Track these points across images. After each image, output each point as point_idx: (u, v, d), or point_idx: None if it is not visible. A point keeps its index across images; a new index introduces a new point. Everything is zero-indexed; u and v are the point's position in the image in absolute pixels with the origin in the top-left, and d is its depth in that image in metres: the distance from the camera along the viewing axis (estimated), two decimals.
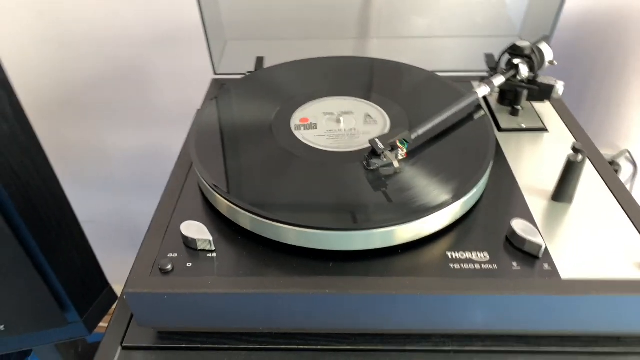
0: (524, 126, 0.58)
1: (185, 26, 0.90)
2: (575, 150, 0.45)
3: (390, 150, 0.47)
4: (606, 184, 0.50)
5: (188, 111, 0.98)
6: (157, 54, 0.93)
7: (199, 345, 0.45)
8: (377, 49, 0.80)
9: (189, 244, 0.44)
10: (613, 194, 0.49)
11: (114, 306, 0.57)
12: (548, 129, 0.58)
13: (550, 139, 0.57)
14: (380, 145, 0.46)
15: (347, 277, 0.41)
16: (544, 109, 0.62)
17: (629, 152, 1.06)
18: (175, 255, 0.44)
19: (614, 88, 0.98)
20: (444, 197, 0.44)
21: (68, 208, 0.81)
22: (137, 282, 0.41)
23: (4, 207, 0.67)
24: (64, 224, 0.79)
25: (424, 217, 0.43)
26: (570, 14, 0.87)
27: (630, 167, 1.08)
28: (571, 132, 0.58)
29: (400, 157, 0.48)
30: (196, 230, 0.44)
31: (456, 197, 0.44)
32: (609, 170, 0.52)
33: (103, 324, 0.75)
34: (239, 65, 0.72)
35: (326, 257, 0.43)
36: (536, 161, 0.54)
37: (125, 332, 0.46)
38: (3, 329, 0.80)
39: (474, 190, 0.46)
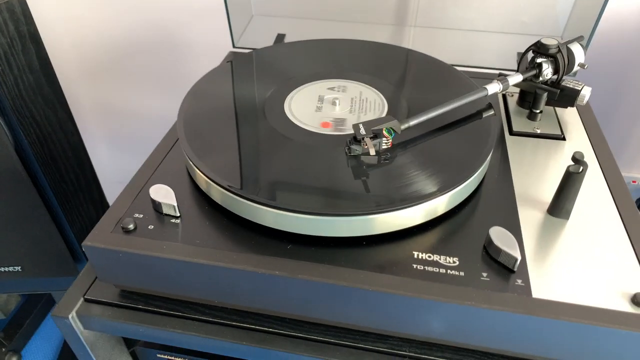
0: (538, 131, 0.53)
1: None
2: (575, 160, 0.40)
3: (372, 138, 0.44)
4: (616, 204, 0.45)
5: None
6: (199, 24, 0.94)
7: (155, 309, 0.45)
8: (413, 38, 0.77)
9: (156, 208, 0.44)
10: (620, 215, 0.43)
11: None
12: (566, 138, 0.53)
13: (566, 149, 0.52)
14: (362, 130, 0.44)
15: (300, 262, 0.39)
16: (569, 116, 0.57)
17: None
18: (141, 216, 0.44)
19: None
20: (422, 190, 0.41)
21: (88, 164, 0.85)
22: (97, 237, 0.42)
23: (23, 154, 0.70)
24: (82, 179, 0.83)
25: (395, 210, 0.40)
26: (615, 17, 0.79)
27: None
28: (591, 144, 0.52)
29: (384, 146, 0.45)
30: (164, 194, 0.44)
31: (435, 192, 0.41)
32: (623, 189, 0.46)
33: None
34: (260, 40, 0.71)
35: (288, 239, 0.41)
36: (543, 170, 0.49)
37: (91, 285, 0.47)
38: (20, 270, 0.85)
39: (457, 189, 0.42)
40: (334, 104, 0.52)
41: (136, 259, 0.41)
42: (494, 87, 0.50)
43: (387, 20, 0.79)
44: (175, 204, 0.43)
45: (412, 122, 0.46)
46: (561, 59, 0.52)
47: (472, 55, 0.74)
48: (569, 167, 0.41)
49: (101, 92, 1.10)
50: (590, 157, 0.51)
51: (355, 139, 0.45)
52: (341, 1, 0.77)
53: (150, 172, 0.48)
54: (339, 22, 0.78)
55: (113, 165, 1.26)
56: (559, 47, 0.52)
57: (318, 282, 0.38)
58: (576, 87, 0.52)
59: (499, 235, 0.39)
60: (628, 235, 0.42)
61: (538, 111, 0.54)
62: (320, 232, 0.40)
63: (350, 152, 0.45)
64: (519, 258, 0.38)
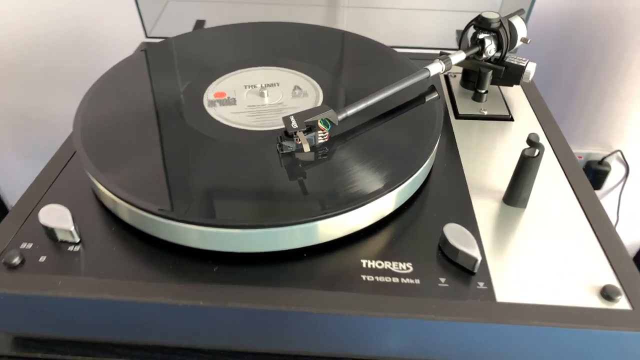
0: (485, 113, 0.50)
1: None
2: (530, 142, 0.36)
3: (305, 131, 0.38)
4: (573, 189, 0.41)
5: None
6: (113, 15, 0.84)
7: (59, 356, 0.37)
8: (347, 20, 0.71)
9: (50, 234, 0.36)
10: (579, 200, 0.40)
11: None
12: (514, 118, 0.50)
13: (515, 130, 0.48)
14: (293, 124, 0.38)
15: (229, 287, 0.33)
16: (515, 94, 0.53)
17: (621, 152, 0.97)
18: (30, 246, 0.36)
19: (608, 82, 0.88)
20: (367, 189, 0.36)
21: None
22: None
23: None
24: None
25: (338, 214, 0.34)
26: (563, 3, 0.78)
27: (622, 169, 1.00)
28: (540, 123, 0.49)
29: (320, 140, 0.40)
30: (58, 216, 0.36)
31: (382, 190, 0.36)
32: (578, 172, 0.43)
33: None
34: (177, 28, 0.63)
35: (213, 260, 0.35)
36: (494, 155, 0.45)
37: None
38: None
39: (405, 184, 0.37)
40: (261, 95, 0.46)
41: (27, 300, 0.33)
42: (436, 68, 0.46)
43: (318, 1, 0.73)
44: (73, 228, 0.35)
45: (350, 111, 0.41)
46: (504, 34, 0.48)
47: (409, 36, 0.70)
48: (524, 150, 0.37)
49: (4, 94, 0.97)
50: (540, 138, 0.47)
51: (287, 134, 0.38)
52: None
53: (41, 191, 0.40)
54: (264, 4, 0.71)
55: (25, 176, 1.13)
56: (500, 21, 0.48)
57: (253, 309, 0.32)
58: (521, 64, 0.49)
59: (455, 233, 0.35)
60: (589, 221, 0.38)
61: (483, 91, 0.51)
62: (251, 248, 0.34)
63: (282, 150, 0.39)
64: (479, 258, 0.33)
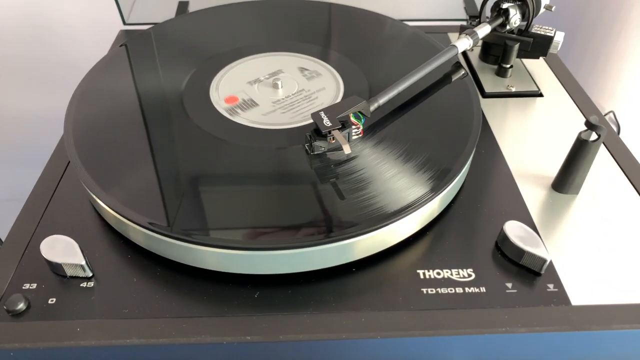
0: (513, 90, 0.46)
1: None
2: (590, 125, 0.33)
3: (340, 128, 0.34)
4: (622, 169, 0.39)
5: None
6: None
7: None
8: None
9: (56, 269, 0.31)
10: (633, 184, 0.38)
11: None
12: (543, 93, 0.46)
13: (544, 106, 0.45)
14: (326, 121, 0.33)
15: (279, 316, 0.29)
16: (538, 67, 0.50)
17: (613, 112, 0.97)
18: (34, 286, 0.30)
19: (601, 42, 0.86)
20: (418, 192, 0.32)
21: None
22: None
23: None
24: None
25: (389, 224, 0.30)
26: None
27: (614, 129, 0.99)
28: (571, 97, 0.46)
29: (354, 137, 0.35)
30: (64, 249, 0.31)
31: (434, 191, 0.32)
32: (624, 150, 0.41)
33: None
34: (156, 12, 0.56)
35: (250, 282, 0.31)
36: (529, 136, 0.42)
37: None
38: None
39: (454, 183, 0.34)
40: (275, 86, 0.41)
41: (37, 354, 0.28)
42: (463, 44, 0.42)
43: None
44: (84, 262, 0.30)
45: (382, 100, 0.37)
46: (530, 2, 0.44)
47: (405, 6, 0.65)
48: (580, 134, 0.34)
49: None
50: (573, 114, 0.45)
51: (318, 132, 0.34)
52: None
53: (36, 216, 0.34)
54: None
55: None
56: None
57: (309, 341, 0.28)
58: (548, 34, 0.45)
59: (517, 232, 0.32)
60: None
61: (508, 66, 0.47)
62: (301, 267, 0.30)
63: (313, 151, 0.34)
64: (549, 259, 0.30)
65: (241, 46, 0.46)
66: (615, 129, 1.01)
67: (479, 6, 0.59)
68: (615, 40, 0.87)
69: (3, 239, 0.74)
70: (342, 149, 0.33)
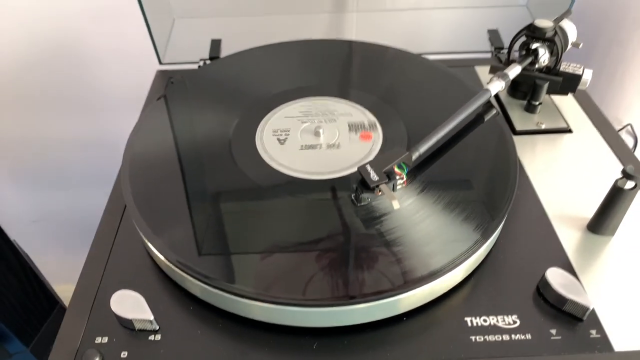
0: (543, 127, 0.48)
1: None
2: (626, 175, 0.35)
3: (386, 182, 0.35)
4: None
5: (136, 93, 0.83)
6: (96, 29, 0.77)
7: None
8: (356, 26, 0.67)
9: (124, 324, 0.33)
10: None
11: None
12: (572, 129, 0.48)
13: (574, 143, 0.47)
14: (373, 175, 0.35)
15: None
16: (565, 102, 0.51)
17: (631, 125, 0.98)
18: (106, 339, 0.32)
19: (618, 60, 0.87)
20: (463, 245, 0.34)
21: None
22: None
23: None
24: None
25: (438, 277, 0.32)
26: None
27: (631, 141, 1.00)
28: (600, 133, 0.47)
29: (399, 187, 0.37)
30: (132, 304, 0.33)
31: (478, 243, 0.34)
32: None
33: None
34: (191, 50, 0.58)
35: (307, 333, 0.32)
36: (561, 175, 0.43)
37: None
38: None
39: (499, 230, 0.35)
40: (317, 134, 0.43)
41: None
42: (496, 86, 0.43)
43: (323, 7, 0.68)
44: (152, 318, 0.32)
45: (422, 149, 0.38)
46: (559, 42, 0.46)
47: (427, 39, 0.66)
48: (616, 181, 0.36)
49: None
50: (602, 149, 0.46)
51: (364, 185, 0.36)
52: None
53: (99, 272, 0.36)
54: (271, 15, 0.66)
55: (23, 204, 1.07)
56: (555, 29, 0.46)
57: None
58: (577, 72, 0.47)
59: (559, 280, 0.33)
60: None
61: (538, 103, 0.48)
62: (353, 320, 0.32)
63: (359, 202, 0.36)
64: (592, 307, 0.32)
65: (278, 91, 0.48)
66: (632, 141, 1.02)
67: (502, 36, 0.61)
68: (632, 55, 0.88)
69: (30, 256, 0.76)
70: (390, 203, 0.34)
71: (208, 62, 0.57)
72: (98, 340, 0.32)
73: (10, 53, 0.79)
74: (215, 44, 0.58)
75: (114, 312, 0.32)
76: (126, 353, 0.32)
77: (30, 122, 0.89)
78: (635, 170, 0.35)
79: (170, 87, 0.49)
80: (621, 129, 0.96)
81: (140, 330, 0.33)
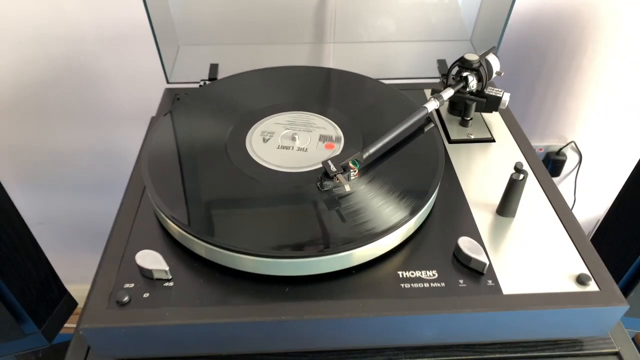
0: (472, 137, 0.60)
1: (135, 24, 0.87)
2: (517, 169, 0.47)
3: (342, 172, 0.48)
4: (549, 200, 0.53)
5: (144, 109, 0.95)
6: (108, 52, 0.90)
7: None
8: (333, 54, 0.80)
9: (145, 274, 0.44)
10: (553, 207, 0.52)
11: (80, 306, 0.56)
12: (495, 139, 0.61)
13: (497, 149, 0.60)
14: (332, 167, 0.47)
15: (303, 303, 0.42)
16: (493, 117, 0.65)
17: (574, 143, 1.12)
18: (132, 285, 0.44)
19: (560, 83, 1.02)
20: (398, 216, 0.46)
21: (16, 217, 0.78)
22: (93, 317, 0.41)
23: None
24: (13, 235, 0.77)
25: (379, 239, 0.44)
26: (520, 12, 0.89)
27: (576, 157, 1.14)
28: (516, 142, 0.60)
29: (352, 178, 0.49)
30: (152, 260, 0.44)
31: (410, 216, 0.46)
32: (550, 184, 0.55)
33: (69, 325, 0.74)
34: (193, 72, 0.71)
35: (282, 282, 0.44)
36: (483, 173, 0.56)
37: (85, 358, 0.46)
38: None
39: (424, 208, 0.48)
40: (293, 139, 0.55)
41: (139, 330, 0.41)
42: (432, 105, 0.56)
43: (305, 39, 0.81)
44: (167, 269, 0.44)
45: (372, 150, 0.51)
46: (483, 71, 0.59)
47: (391, 67, 0.79)
48: (512, 175, 0.48)
49: (7, 132, 1.01)
50: (516, 154, 0.59)
51: (326, 175, 0.48)
52: (260, 23, 0.78)
53: (125, 237, 0.48)
54: (261, 45, 0.79)
55: (30, 207, 1.17)
56: (480, 61, 0.59)
57: (323, 319, 0.41)
58: (497, 95, 0.60)
59: (467, 245, 0.45)
60: (564, 226, 0.50)
61: (469, 118, 0.61)
62: (316, 270, 0.44)
63: (322, 188, 0.48)
64: (487, 263, 0.44)
65: (265, 106, 0.61)
66: (577, 156, 1.16)
67: (448, 65, 0.75)
68: (572, 80, 1.03)
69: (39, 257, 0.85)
70: (344, 187, 0.47)
71: (207, 82, 0.69)
72: (127, 285, 0.44)
73: (31, 70, 0.91)
74: (214, 68, 0.71)
75: (138, 265, 0.44)
76: (148, 294, 0.43)
77: (47, 133, 1.00)
78: (523, 166, 0.47)
79: (176, 102, 0.61)
80: (565, 146, 1.11)
81: (158, 279, 0.44)
